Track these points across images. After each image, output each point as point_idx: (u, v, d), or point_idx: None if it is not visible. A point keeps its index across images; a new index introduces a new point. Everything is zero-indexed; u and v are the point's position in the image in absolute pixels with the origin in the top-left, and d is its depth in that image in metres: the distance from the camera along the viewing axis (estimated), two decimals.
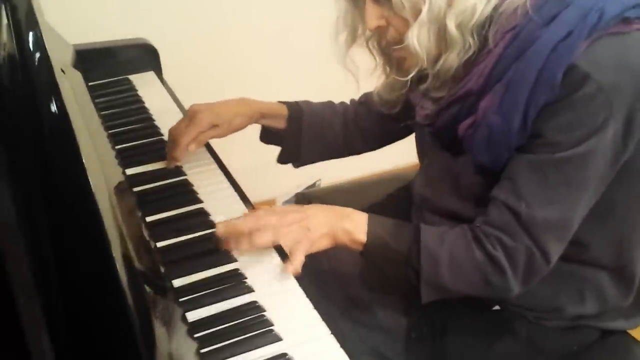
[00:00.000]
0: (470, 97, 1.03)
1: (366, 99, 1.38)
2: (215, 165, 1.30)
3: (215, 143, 1.36)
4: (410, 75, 1.07)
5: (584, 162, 0.95)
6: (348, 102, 1.42)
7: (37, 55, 0.93)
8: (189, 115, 1.25)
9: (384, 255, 1.07)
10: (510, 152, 1.00)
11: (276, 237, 1.02)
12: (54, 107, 0.83)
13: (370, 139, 1.41)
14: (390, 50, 1.10)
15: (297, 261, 1.00)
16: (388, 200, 1.46)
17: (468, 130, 1.04)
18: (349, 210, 1.09)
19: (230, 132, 1.29)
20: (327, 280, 1.22)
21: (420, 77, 1.09)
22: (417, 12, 0.99)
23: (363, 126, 1.38)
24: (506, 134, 0.98)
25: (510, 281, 1.01)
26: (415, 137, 1.26)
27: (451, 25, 0.98)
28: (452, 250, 1.03)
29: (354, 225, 1.06)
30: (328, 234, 1.06)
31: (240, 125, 1.30)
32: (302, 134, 1.35)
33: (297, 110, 1.35)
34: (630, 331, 1.19)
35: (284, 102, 1.36)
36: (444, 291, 1.05)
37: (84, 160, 0.76)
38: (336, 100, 1.42)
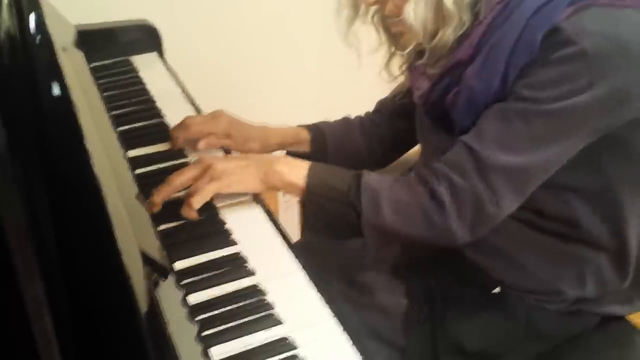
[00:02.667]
0: (459, 67, 1.05)
1: (380, 107, 1.39)
2: (219, 151, 1.30)
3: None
4: (408, 49, 1.08)
5: (555, 120, 0.96)
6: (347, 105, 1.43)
7: (39, 36, 0.93)
8: (211, 114, 1.27)
9: (323, 194, 1.07)
10: None
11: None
12: (55, 88, 0.83)
13: (391, 146, 1.39)
14: (390, 24, 1.12)
15: (199, 200, 1.04)
16: None
17: (453, 97, 1.05)
18: (287, 157, 1.14)
19: (241, 150, 1.29)
20: (327, 262, 1.22)
21: (418, 53, 1.11)
22: None
23: (381, 134, 1.37)
24: (485, 95, 1.00)
25: (452, 221, 1.00)
26: (416, 123, 1.26)
27: (448, 1, 1.00)
28: (393, 188, 1.04)
29: (290, 168, 1.08)
30: (257, 174, 1.08)
31: (253, 150, 1.30)
32: (327, 154, 1.34)
33: (319, 133, 1.34)
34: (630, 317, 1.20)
35: (304, 126, 1.35)
36: (387, 233, 1.05)
37: (86, 142, 0.76)
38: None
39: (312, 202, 1.09)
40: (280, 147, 1.33)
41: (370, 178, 1.05)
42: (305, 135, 1.34)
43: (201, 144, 1.23)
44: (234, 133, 1.27)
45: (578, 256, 1.11)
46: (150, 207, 1.06)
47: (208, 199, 1.06)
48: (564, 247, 1.10)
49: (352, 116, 1.41)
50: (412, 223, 1.03)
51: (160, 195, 1.06)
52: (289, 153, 1.36)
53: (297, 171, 1.08)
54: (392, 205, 1.02)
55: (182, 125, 1.25)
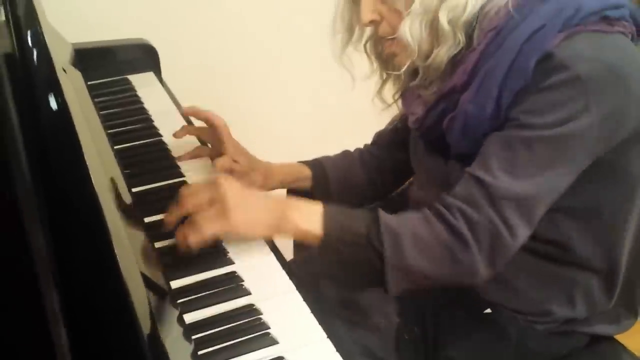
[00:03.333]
0: (454, 93, 1.06)
1: (377, 138, 1.40)
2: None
3: None
4: (403, 69, 1.09)
5: (555, 145, 0.97)
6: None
7: (36, 51, 0.93)
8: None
9: (343, 240, 1.02)
10: (485, 138, 1.02)
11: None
12: (54, 103, 0.83)
13: (391, 177, 1.39)
14: (384, 44, 1.13)
15: (198, 238, 0.99)
16: (383, 206, 1.46)
17: (449, 122, 1.06)
18: (298, 201, 1.07)
19: (242, 176, 1.28)
20: (321, 282, 1.23)
21: (411, 76, 1.13)
22: (409, 3, 1.02)
23: (381, 165, 1.38)
24: (480, 120, 1.01)
25: (475, 256, 0.98)
26: (410, 148, 1.27)
27: (443, 20, 1.02)
28: (414, 227, 1.01)
29: (301, 216, 1.03)
30: (267, 223, 1.03)
31: (256, 181, 1.30)
32: (330, 189, 1.34)
33: (320, 168, 1.35)
34: (617, 336, 1.22)
35: (305, 162, 1.36)
36: (411, 274, 1.01)
37: (85, 157, 0.76)
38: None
39: (329, 248, 1.03)
40: (282, 184, 1.33)
41: (388, 218, 1.02)
42: (307, 172, 1.35)
43: (220, 164, 1.25)
44: (240, 159, 1.28)
45: (568, 278, 1.12)
46: (165, 227, 1.05)
47: (209, 237, 1.01)
48: (555, 269, 1.11)
49: (351, 148, 1.42)
50: (437, 261, 1.00)
51: (174, 216, 1.04)
52: (290, 190, 1.37)
53: (311, 217, 1.03)
54: (415, 245, 1.00)
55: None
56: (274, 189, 1.34)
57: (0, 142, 0.75)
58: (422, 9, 1.02)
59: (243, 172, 1.28)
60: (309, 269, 1.24)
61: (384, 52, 1.15)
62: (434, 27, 1.03)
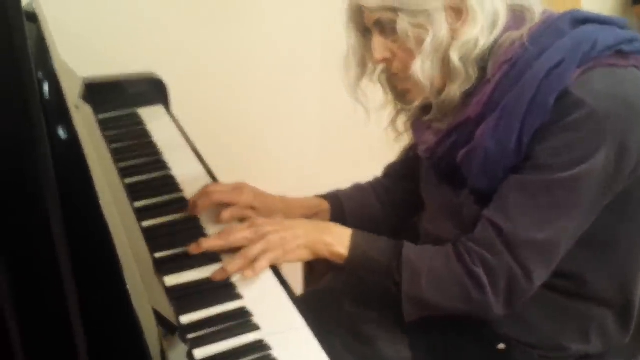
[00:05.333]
0: (468, 125, 1.07)
1: (389, 170, 1.40)
2: None
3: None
4: (415, 104, 1.11)
5: (574, 186, 0.98)
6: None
7: (48, 85, 0.94)
8: (234, 185, 1.26)
9: (365, 267, 1.09)
10: (506, 174, 1.03)
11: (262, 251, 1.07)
12: (63, 134, 0.84)
13: (405, 208, 1.39)
14: (397, 82, 1.14)
15: (259, 268, 1.05)
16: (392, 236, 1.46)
17: (466, 156, 1.06)
18: (330, 224, 1.15)
19: None
20: (331, 315, 1.22)
21: (424, 109, 1.13)
22: (421, 43, 1.03)
23: (394, 197, 1.39)
24: (501, 157, 1.02)
25: (490, 299, 1.01)
26: (420, 178, 1.27)
27: (454, 57, 1.03)
28: (433, 264, 1.05)
29: (335, 238, 1.10)
30: (306, 246, 1.09)
31: None
32: (347, 222, 1.33)
33: (337, 202, 1.36)
34: None
35: (321, 196, 1.37)
36: (426, 307, 1.06)
37: (96, 187, 0.76)
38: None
39: (353, 272, 1.12)
40: (302, 217, 1.32)
41: (411, 251, 1.07)
42: (325, 205, 1.35)
43: (225, 215, 1.21)
44: (258, 205, 1.26)
45: (583, 312, 1.11)
46: (195, 248, 1.09)
47: (263, 270, 1.07)
48: (570, 303, 1.10)
49: (362, 178, 1.41)
50: (452, 297, 1.04)
51: (210, 245, 1.09)
52: None
53: (342, 240, 1.10)
54: (432, 281, 1.04)
55: (204, 193, 1.23)
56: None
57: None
58: (433, 48, 1.03)
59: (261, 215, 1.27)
60: (319, 303, 1.24)
61: (398, 87, 1.16)
62: (445, 64, 1.04)
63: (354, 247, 1.09)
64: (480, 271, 1.01)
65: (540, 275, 1.02)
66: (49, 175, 0.62)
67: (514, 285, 1.01)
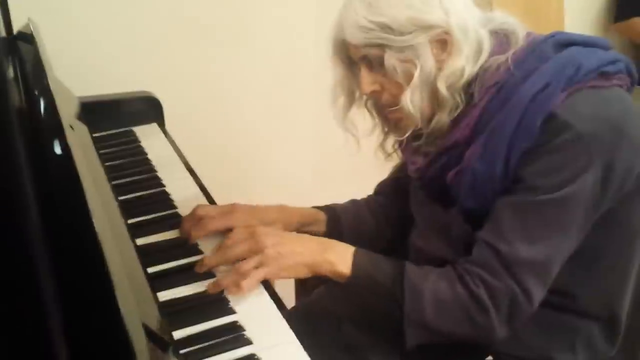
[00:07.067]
0: (457, 147, 1.08)
1: (380, 188, 1.42)
2: None
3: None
4: (407, 135, 1.12)
5: (563, 206, 0.99)
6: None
7: (44, 103, 0.96)
8: (228, 209, 1.24)
9: (368, 287, 1.08)
10: (494, 196, 1.04)
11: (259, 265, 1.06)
12: (58, 149, 0.85)
13: (398, 224, 1.40)
14: (387, 113, 1.15)
15: (246, 286, 1.04)
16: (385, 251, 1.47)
17: (455, 177, 1.08)
18: (333, 241, 1.13)
19: None
20: (323, 327, 1.23)
21: (414, 135, 1.14)
22: (409, 77, 1.05)
23: (387, 213, 1.40)
24: (490, 179, 1.03)
25: (493, 321, 1.02)
26: (410, 196, 1.28)
27: (442, 87, 1.05)
28: (436, 287, 1.05)
29: (337, 257, 1.09)
30: (307, 264, 1.08)
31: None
32: (343, 234, 1.35)
33: (333, 214, 1.37)
34: None
35: (319, 207, 1.37)
36: (428, 331, 1.05)
37: (88, 201, 0.77)
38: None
39: (353, 290, 1.10)
40: (299, 226, 1.33)
41: (413, 274, 1.06)
42: (322, 216, 1.36)
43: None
44: (254, 223, 1.24)
45: (570, 325, 1.13)
46: (200, 268, 1.09)
47: (258, 284, 1.07)
48: (557, 317, 1.11)
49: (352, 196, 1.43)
50: (455, 321, 1.04)
51: (213, 263, 1.09)
52: (304, 232, 1.36)
53: (345, 259, 1.09)
54: (435, 305, 1.04)
55: (195, 217, 1.21)
56: (292, 231, 1.32)
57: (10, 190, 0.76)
58: (421, 81, 1.05)
59: None
60: (311, 316, 1.25)
61: (389, 117, 1.16)
62: (433, 94, 1.06)
63: (356, 267, 1.08)
64: (482, 293, 1.01)
65: (538, 295, 1.03)
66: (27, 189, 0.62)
67: (516, 306, 1.01)
